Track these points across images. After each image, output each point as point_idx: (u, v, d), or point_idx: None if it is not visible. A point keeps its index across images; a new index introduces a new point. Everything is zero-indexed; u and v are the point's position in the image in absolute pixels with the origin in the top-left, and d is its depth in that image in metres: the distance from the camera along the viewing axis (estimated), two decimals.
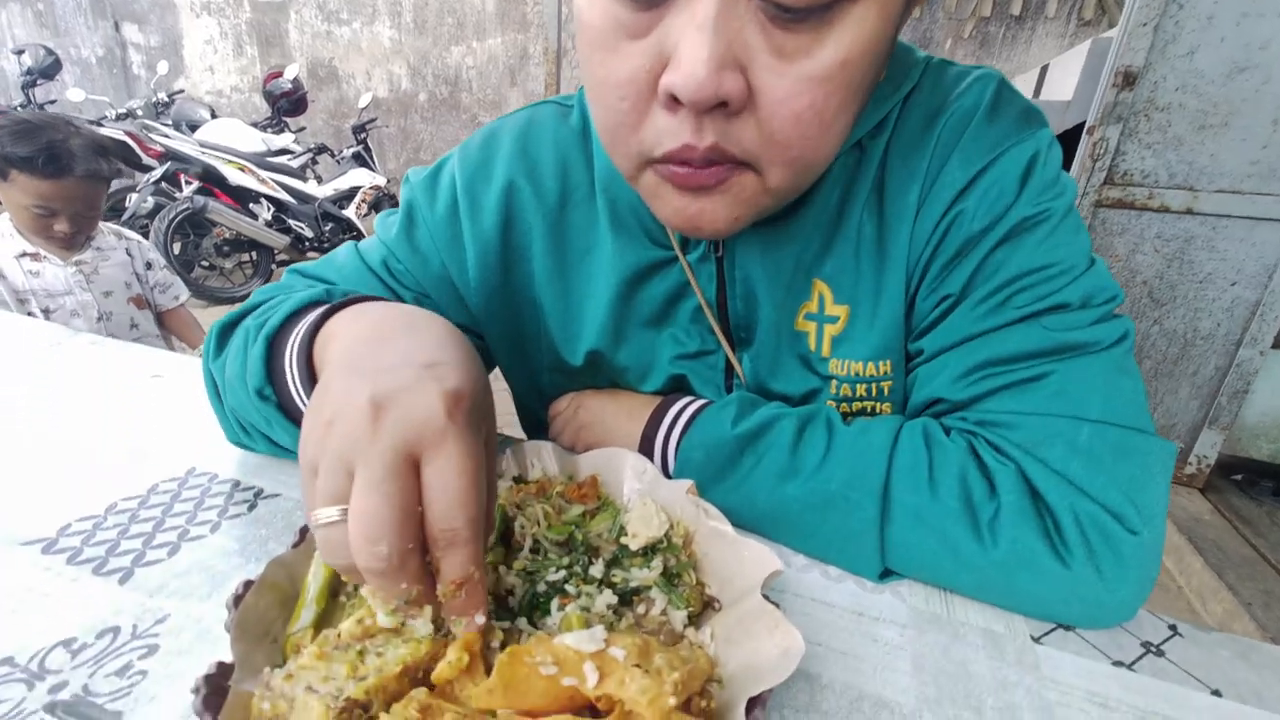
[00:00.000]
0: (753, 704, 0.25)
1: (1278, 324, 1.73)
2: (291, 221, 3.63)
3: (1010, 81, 0.46)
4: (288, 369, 0.38)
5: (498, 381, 0.41)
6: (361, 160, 4.15)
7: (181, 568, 0.39)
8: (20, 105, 3.79)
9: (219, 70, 5.38)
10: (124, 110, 3.69)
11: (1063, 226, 0.43)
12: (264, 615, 0.30)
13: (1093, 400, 0.39)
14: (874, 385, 0.49)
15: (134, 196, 3.25)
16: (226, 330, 0.47)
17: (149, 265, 1.51)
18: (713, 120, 0.34)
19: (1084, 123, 1.76)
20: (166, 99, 4.04)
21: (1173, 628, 0.39)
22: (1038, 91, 2.63)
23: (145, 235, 2.59)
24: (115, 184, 3.41)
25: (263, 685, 0.25)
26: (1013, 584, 0.38)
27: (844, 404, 0.50)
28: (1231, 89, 1.59)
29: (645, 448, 0.48)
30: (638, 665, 0.24)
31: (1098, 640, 0.38)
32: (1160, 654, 0.37)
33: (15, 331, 0.77)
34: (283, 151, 3.85)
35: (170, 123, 3.71)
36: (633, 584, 0.33)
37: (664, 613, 0.32)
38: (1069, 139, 1.71)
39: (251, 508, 0.45)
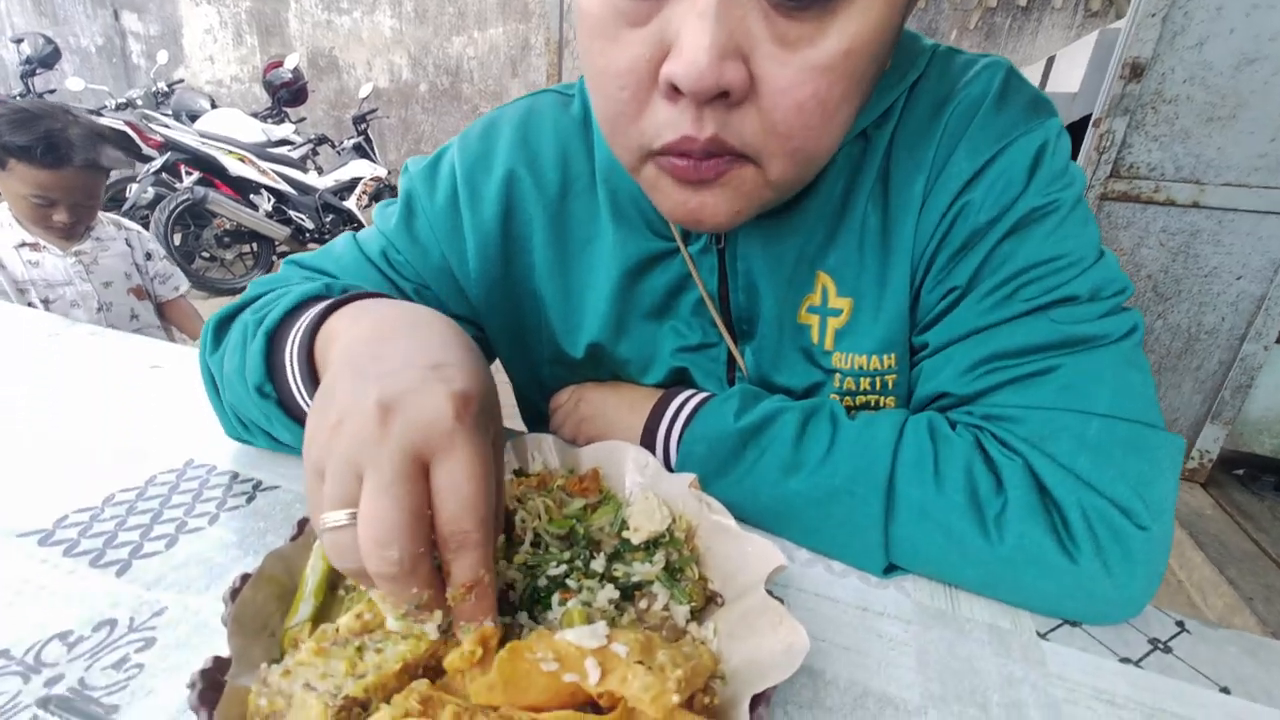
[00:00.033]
0: (757, 701, 0.25)
1: None
2: (292, 213, 3.62)
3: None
4: (288, 366, 0.38)
5: (498, 374, 0.40)
6: (362, 151, 4.13)
7: (179, 560, 0.38)
8: (19, 94, 3.77)
9: (219, 60, 5.35)
10: (124, 100, 3.67)
11: (1071, 218, 0.42)
12: (261, 609, 0.30)
13: (1101, 394, 0.39)
14: (878, 379, 0.48)
15: (134, 187, 3.24)
16: (223, 324, 0.46)
17: (149, 256, 1.50)
18: (713, 111, 0.33)
19: (1090, 115, 1.75)
20: (166, 89, 4.02)
21: (1180, 624, 0.39)
22: (1044, 83, 2.61)
23: (145, 226, 2.58)
24: (115, 174, 3.40)
25: (260, 681, 0.25)
26: (1019, 580, 0.38)
27: (847, 397, 0.49)
28: (1240, 81, 1.57)
29: (647, 441, 0.48)
30: (640, 662, 0.23)
31: (1104, 636, 0.37)
32: (1168, 650, 0.37)
33: (13, 322, 0.77)
34: (283, 142, 3.84)
35: (170, 113, 3.69)
36: (634, 579, 0.33)
37: (666, 608, 0.32)
38: (1075, 131, 1.69)
39: (250, 500, 0.44)
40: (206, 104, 4.08)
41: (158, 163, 3.25)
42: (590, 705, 0.24)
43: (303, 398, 0.38)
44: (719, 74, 0.31)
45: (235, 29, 5.22)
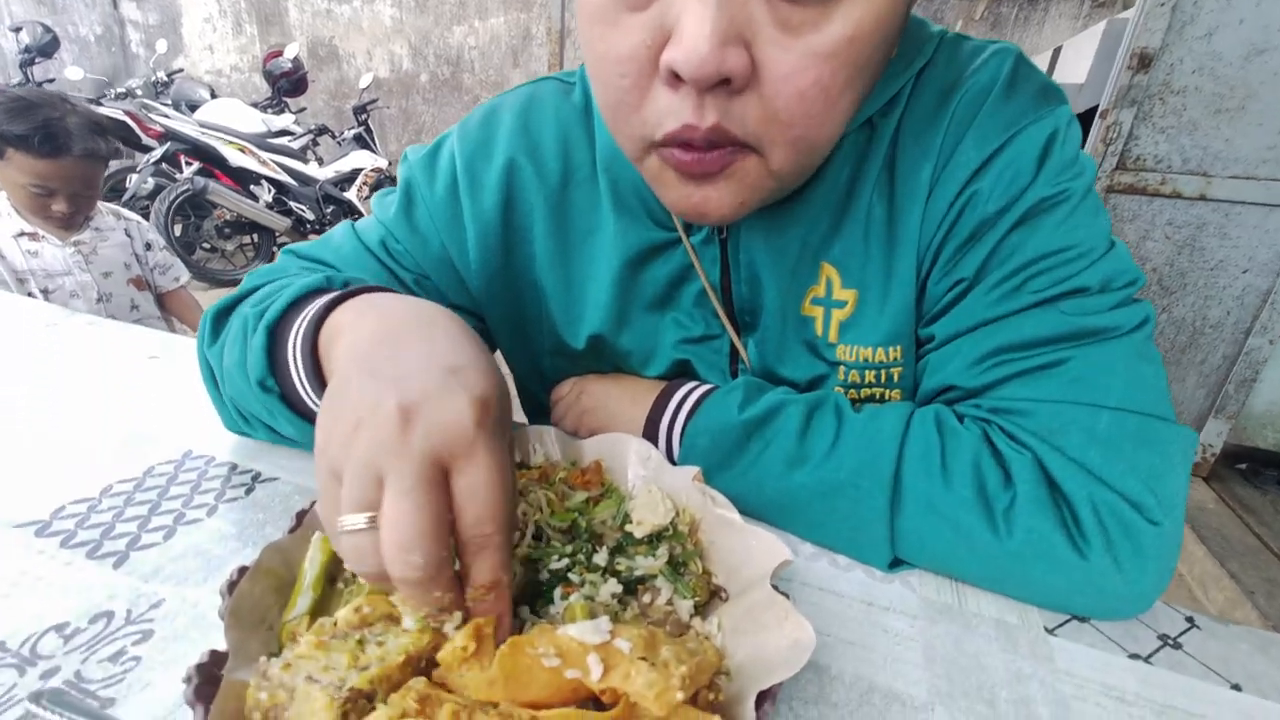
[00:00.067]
0: (762, 697, 0.25)
1: None
2: (293, 204, 3.61)
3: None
4: (291, 361, 0.37)
5: (499, 364, 0.40)
6: (363, 142, 4.11)
7: (177, 552, 0.38)
8: (18, 84, 3.75)
9: (218, 49, 5.32)
10: (123, 90, 3.65)
11: (1082, 208, 0.41)
12: (259, 602, 0.29)
13: (1112, 387, 0.38)
14: (883, 371, 0.48)
15: (134, 177, 3.23)
16: (221, 316, 0.46)
17: (148, 246, 1.50)
18: (715, 99, 0.33)
19: (1097, 106, 1.73)
20: (166, 78, 4.00)
21: (1190, 620, 0.38)
22: (1050, 74, 2.58)
23: (145, 216, 2.57)
24: (115, 164, 3.39)
25: (259, 675, 0.24)
26: (1028, 575, 0.37)
27: (852, 390, 0.49)
28: (1250, 71, 1.55)
29: (649, 433, 0.47)
30: (644, 658, 0.23)
31: (1113, 632, 0.37)
32: (1178, 646, 0.36)
33: (11, 311, 0.76)
34: (283, 133, 3.82)
35: (169, 102, 3.68)
36: (637, 572, 0.32)
37: (669, 602, 0.31)
38: (1081, 123, 1.68)
39: (249, 491, 0.44)
40: (206, 94, 4.07)
41: (157, 153, 3.24)
42: (592, 701, 0.24)
43: (307, 393, 0.37)
44: (720, 60, 0.31)
45: (235, 18, 5.19)
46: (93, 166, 1.33)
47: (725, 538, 0.34)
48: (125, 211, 1.50)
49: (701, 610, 0.32)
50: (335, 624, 0.27)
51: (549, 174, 0.50)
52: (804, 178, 0.42)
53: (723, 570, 0.34)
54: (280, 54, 4.21)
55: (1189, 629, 0.38)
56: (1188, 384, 1.86)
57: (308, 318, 0.37)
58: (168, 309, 1.55)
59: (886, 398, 0.49)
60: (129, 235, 1.46)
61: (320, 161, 3.94)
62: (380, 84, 4.91)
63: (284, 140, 3.75)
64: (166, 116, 3.31)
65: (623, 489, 0.40)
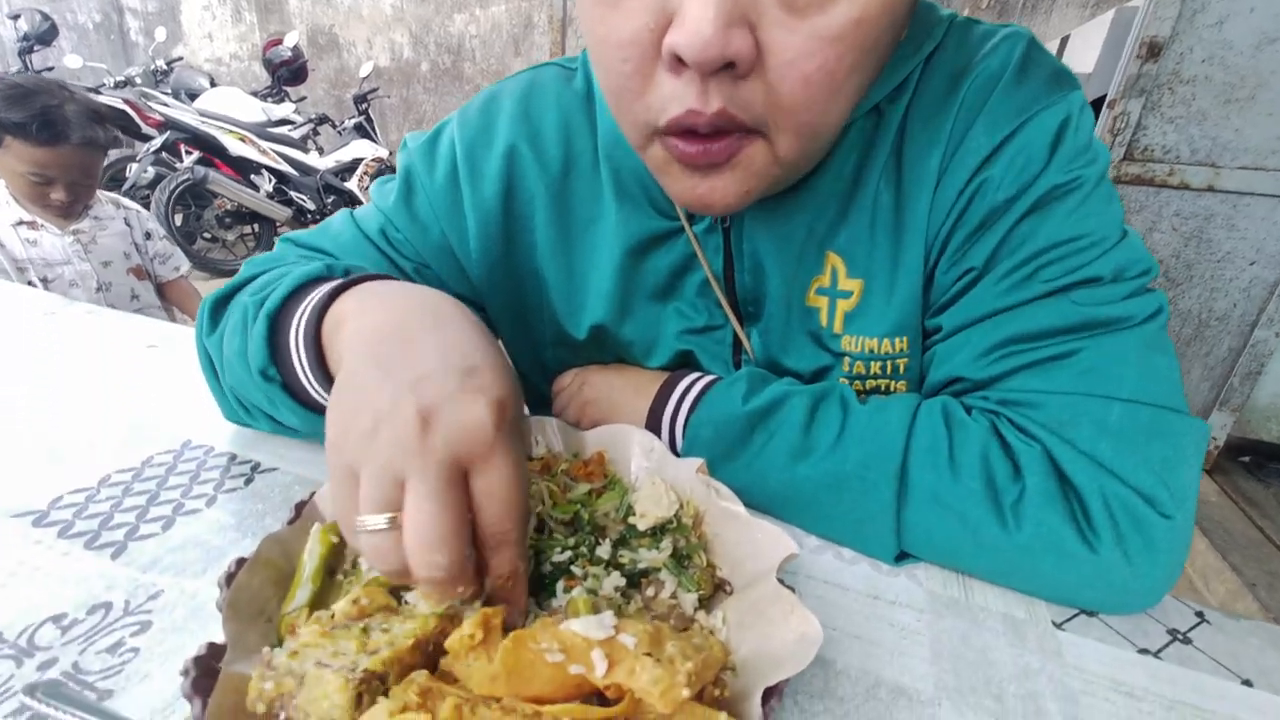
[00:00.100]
0: (769, 693, 0.24)
1: None
2: (293, 193, 3.60)
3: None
4: (293, 351, 0.37)
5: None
6: (363, 131, 4.09)
7: (176, 542, 0.38)
8: (17, 72, 3.73)
9: (218, 37, 5.29)
10: (122, 78, 3.63)
11: (1095, 196, 0.40)
12: (258, 594, 0.29)
13: (1125, 378, 0.37)
14: (889, 363, 0.47)
15: (134, 166, 3.21)
16: (220, 304, 0.45)
17: (148, 235, 1.49)
18: (719, 83, 0.32)
19: (1105, 96, 1.71)
20: (165, 66, 3.98)
21: (1200, 615, 0.38)
22: None
23: (146, 206, 2.56)
24: (114, 153, 3.38)
25: (263, 665, 0.24)
26: (1036, 568, 0.37)
27: (857, 382, 0.48)
28: (1260, 61, 1.53)
29: (652, 424, 0.47)
30: (649, 654, 0.22)
31: (1122, 627, 0.37)
32: (1187, 641, 0.36)
33: (9, 300, 0.76)
34: (283, 122, 3.80)
35: (169, 91, 3.65)
36: (641, 565, 0.32)
37: (674, 596, 0.31)
38: None
39: (248, 482, 0.44)
40: (206, 82, 4.04)
41: (157, 142, 3.22)
42: (596, 697, 0.23)
43: (310, 383, 0.37)
44: (724, 43, 0.30)
45: (234, 6, 5.15)
46: (91, 155, 1.32)
47: (730, 530, 0.34)
48: (125, 200, 1.49)
49: (706, 604, 0.32)
50: (333, 616, 0.26)
51: (550, 161, 0.50)
52: (810, 165, 0.41)
53: (727, 563, 0.33)
54: (280, 42, 4.18)
55: (1199, 624, 0.37)
56: (1192, 376, 1.85)
57: (310, 306, 0.36)
58: (168, 299, 1.55)
59: (892, 389, 0.48)
60: (128, 224, 1.45)
61: (321, 151, 3.92)
62: (380, 73, 4.88)
63: (284, 129, 3.73)
64: (166, 105, 3.29)
65: (626, 481, 0.39)
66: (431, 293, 0.34)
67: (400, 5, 4.79)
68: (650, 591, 0.31)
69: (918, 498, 0.38)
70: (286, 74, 4.17)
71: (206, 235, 3.48)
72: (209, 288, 0.46)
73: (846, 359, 0.47)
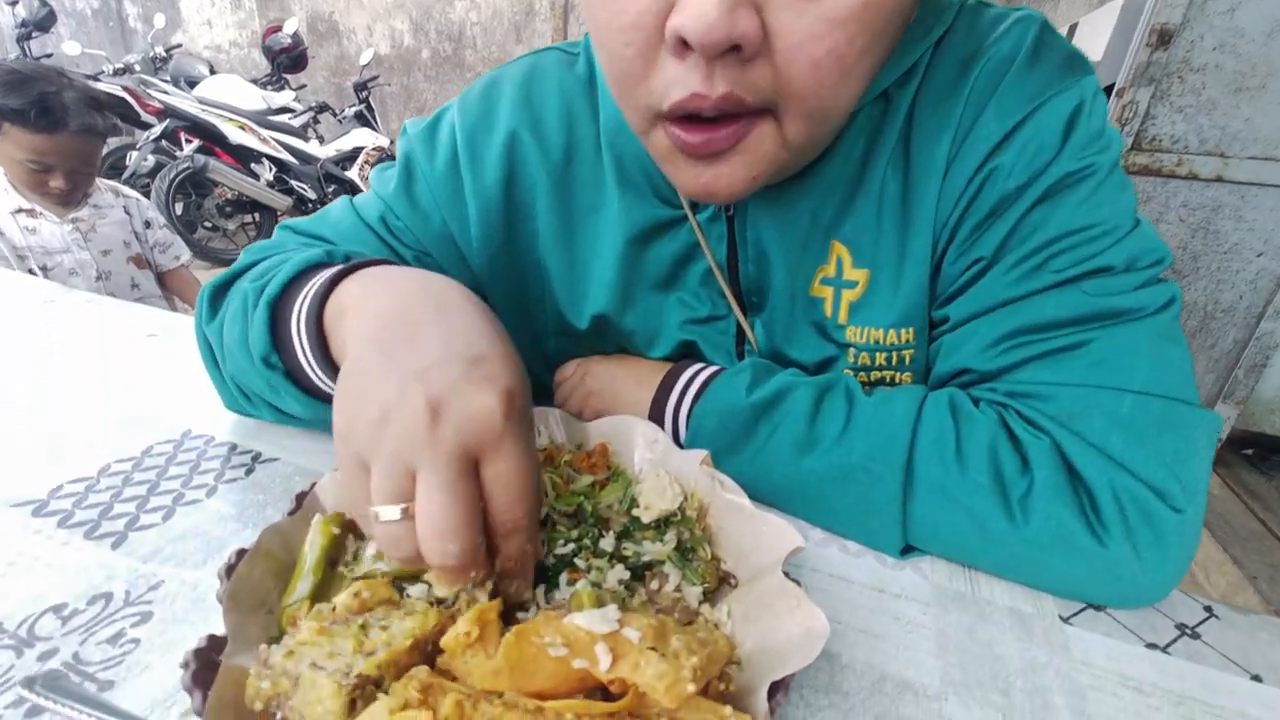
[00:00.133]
0: (775, 688, 0.24)
1: None
2: (294, 182, 3.58)
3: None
4: (296, 338, 0.36)
5: None
6: (364, 120, 4.06)
7: (176, 533, 0.37)
8: (15, 59, 3.70)
9: (217, 24, 5.24)
10: (121, 65, 3.60)
11: (1107, 183, 0.40)
12: (258, 585, 0.29)
13: (1137, 369, 0.37)
14: (894, 354, 0.47)
15: (134, 154, 3.20)
16: (219, 292, 0.45)
17: (148, 224, 1.48)
18: (725, 67, 0.31)
19: (1113, 85, 1.69)
20: (164, 54, 3.94)
21: (1208, 610, 0.38)
22: None
23: (146, 194, 2.55)
24: (114, 141, 3.36)
25: (260, 663, 0.24)
26: (1044, 562, 0.37)
27: (861, 373, 0.48)
28: (1273, 49, 1.51)
29: (655, 415, 0.46)
30: (654, 648, 0.22)
31: (1130, 621, 0.36)
32: (1195, 636, 0.36)
33: (8, 288, 0.75)
34: (283, 110, 3.77)
35: (168, 78, 3.62)
36: (645, 558, 0.32)
37: (678, 589, 0.31)
38: None
39: (249, 472, 0.43)
40: (205, 70, 4.01)
41: (157, 130, 3.20)
42: (599, 691, 0.23)
43: (313, 369, 0.36)
44: (730, 25, 0.29)
45: None
46: (90, 142, 1.31)
47: (734, 523, 0.34)
48: (124, 188, 1.48)
49: (710, 597, 0.31)
50: (334, 609, 0.26)
51: (552, 148, 0.49)
52: (818, 150, 0.40)
53: (732, 556, 0.33)
54: (279, 29, 4.14)
55: (1207, 619, 0.37)
56: (1197, 369, 1.85)
57: (311, 292, 0.36)
58: (169, 288, 1.54)
59: (897, 381, 0.48)
60: (128, 213, 1.44)
61: (321, 140, 3.90)
62: (381, 60, 4.84)
63: (284, 118, 3.70)
64: (165, 93, 3.27)
65: (629, 472, 0.39)
66: (435, 277, 0.33)
67: None
68: (654, 584, 0.31)
69: (924, 491, 0.38)
70: (286, 61, 4.14)
71: (207, 224, 3.47)
72: (210, 277, 0.45)
73: (851, 350, 0.47)
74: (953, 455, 0.38)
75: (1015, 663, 0.33)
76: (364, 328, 0.31)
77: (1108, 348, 0.37)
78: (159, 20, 4.22)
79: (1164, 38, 1.55)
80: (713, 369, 0.47)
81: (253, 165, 3.46)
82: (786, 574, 0.29)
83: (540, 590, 0.30)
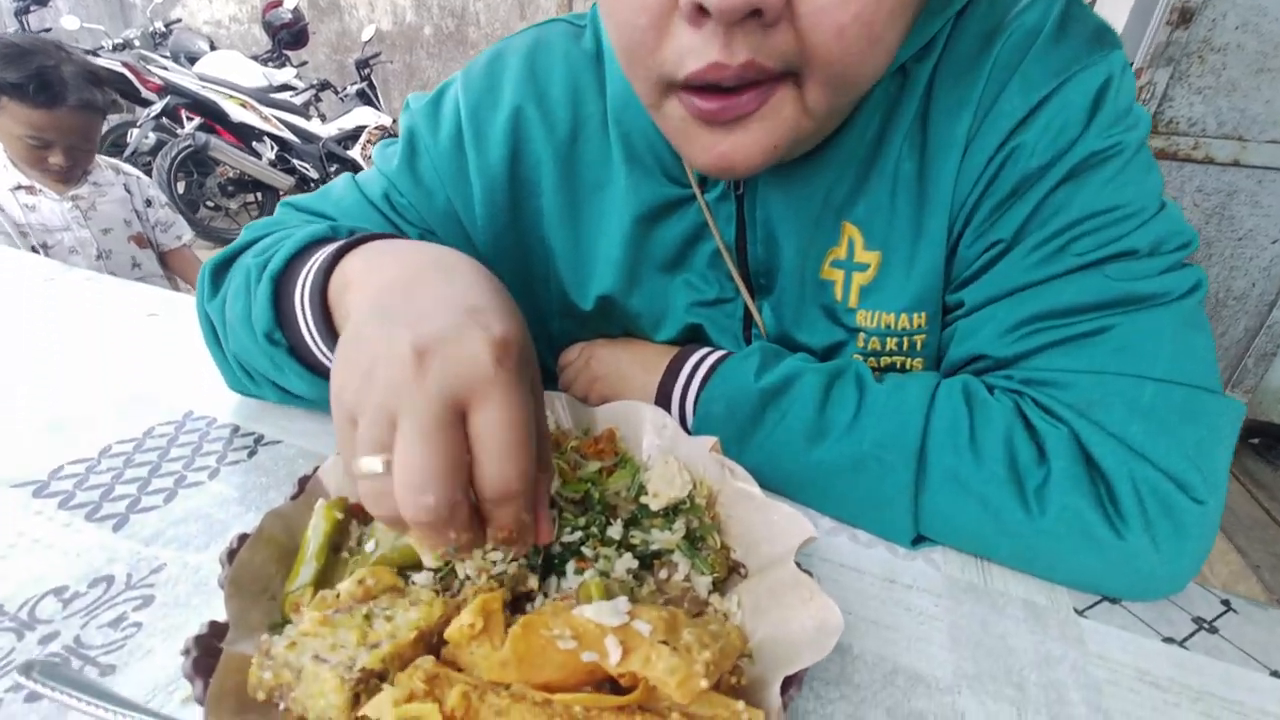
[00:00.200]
0: (788, 682, 0.23)
1: None
2: (296, 161, 3.54)
3: None
4: (299, 312, 0.35)
5: None
6: (366, 98, 4.01)
7: (178, 515, 0.37)
8: (14, 33, 3.66)
9: None
10: (120, 40, 3.55)
11: (1134, 163, 0.38)
12: (260, 571, 0.28)
13: (1160, 356, 0.36)
14: (906, 339, 0.45)
15: (134, 132, 3.17)
16: (221, 269, 0.44)
17: (149, 203, 1.46)
18: (745, 33, 0.30)
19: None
20: (164, 29, 3.89)
21: (1226, 604, 0.37)
22: None
23: (147, 172, 2.53)
24: (115, 119, 3.33)
25: (262, 653, 0.23)
26: (1059, 554, 0.36)
27: (871, 359, 0.46)
28: None
29: (662, 401, 0.46)
30: (665, 641, 0.21)
31: (1146, 615, 0.36)
32: (1214, 630, 0.35)
33: (8, 266, 0.75)
34: (285, 87, 3.72)
35: (168, 54, 3.57)
36: (653, 547, 0.31)
37: (687, 578, 0.30)
38: None
39: (252, 454, 0.43)
40: (205, 45, 3.95)
41: (158, 107, 3.16)
42: (608, 684, 0.23)
43: (317, 345, 0.35)
44: None
45: None
46: (89, 118, 1.29)
47: (745, 512, 0.33)
48: (125, 166, 1.46)
49: (720, 587, 0.31)
50: (338, 596, 0.25)
51: (557, 124, 0.47)
52: (837, 121, 0.39)
53: (742, 545, 0.32)
54: (280, 4, 4.07)
55: (1225, 612, 0.36)
56: None
57: (315, 266, 0.35)
58: (171, 268, 1.53)
59: (908, 367, 0.46)
60: (129, 191, 1.42)
61: (323, 118, 3.85)
62: (383, 37, 4.76)
63: (286, 95, 3.66)
64: (165, 69, 3.22)
65: (637, 459, 0.38)
66: (443, 248, 0.32)
67: None
68: (663, 574, 0.30)
69: (937, 480, 0.37)
70: (287, 37, 4.08)
71: (209, 203, 3.44)
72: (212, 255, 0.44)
73: (861, 335, 0.46)
74: (967, 444, 0.37)
75: (1029, 656, 0.32)
76: (367, 296, 0.30)
77: (1130, 334, 0.36)
78: None
79: (1185, 16, 1.51)
80: (720, 353, 0.46)
81: (254, 144, 3.43)
82: (799, 565, 0.28)
83: (549, 580, 0.29)
